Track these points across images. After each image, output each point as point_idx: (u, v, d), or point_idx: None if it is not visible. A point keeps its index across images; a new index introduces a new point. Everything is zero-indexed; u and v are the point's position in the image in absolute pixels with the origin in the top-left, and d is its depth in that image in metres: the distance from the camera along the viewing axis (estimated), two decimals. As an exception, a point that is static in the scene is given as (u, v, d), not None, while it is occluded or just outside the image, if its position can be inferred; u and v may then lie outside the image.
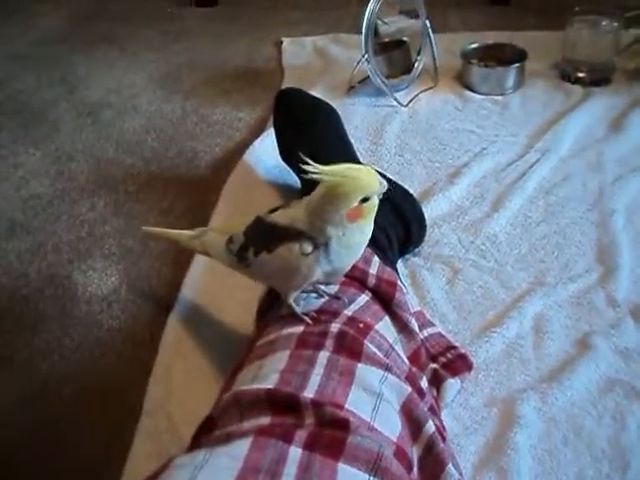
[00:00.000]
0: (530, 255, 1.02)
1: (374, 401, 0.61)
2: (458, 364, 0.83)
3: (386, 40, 1.54)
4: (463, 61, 1.46)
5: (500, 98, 1.41)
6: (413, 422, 0.63)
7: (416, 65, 1.49)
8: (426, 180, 1.18)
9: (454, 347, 0.85)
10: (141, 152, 1.34)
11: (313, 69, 1.59)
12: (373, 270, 0.79)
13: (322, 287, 0.74)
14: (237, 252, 0.74)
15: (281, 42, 1.72)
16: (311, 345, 0.65)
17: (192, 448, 0.58)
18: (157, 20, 1.92)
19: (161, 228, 0.95)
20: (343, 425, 0.56)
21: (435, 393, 0.78)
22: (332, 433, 0.55)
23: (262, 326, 0.74)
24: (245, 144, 1.32)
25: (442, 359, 0.83)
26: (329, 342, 0.65)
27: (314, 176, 0.64)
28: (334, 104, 1.18)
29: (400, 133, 1.32)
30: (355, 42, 1.62)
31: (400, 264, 0.99)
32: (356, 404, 0.59)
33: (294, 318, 0.70)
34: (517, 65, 1.42)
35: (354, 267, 0.75)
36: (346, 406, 0.58)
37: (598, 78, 1.43)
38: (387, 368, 0.65)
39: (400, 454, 0.58)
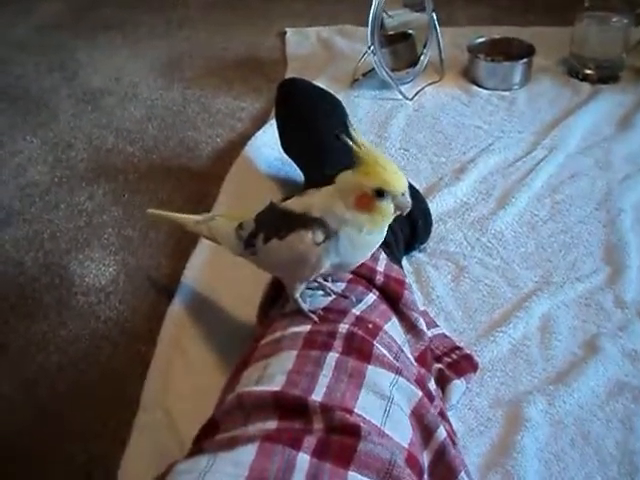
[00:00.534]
0: (537, 254, 1.00)
1: (384, 405, 0.59)
2: (463, 364, 0.81)
3: (391, 33, 1.52)
4: (470, 55, 1.44)
5: (507, 94, 1.38)
6: (424, 427, 0.61)
7: (422, 58, 1.46)
8: (432, 175, 1.16)
9: (459, 348, 0.83)
10: (141, 141, 1.32)
11: (317, 60, 1.56)
12: (381, 268, 0.77)
13: (329, 284, 0.72)
14: (246, 238, 0.73)
15: (284, 32, 1.70)
16: (319, 345, 0.63)
17: (194, 452, 0.55)
18: (160, 7, 1.89)
19: (167, 212, 0.93)
20: (353, 431, 0.54)
21: (441, 394, 0.76)
22: (342, 439, 0.53)
23: (267, 323, 0.72)
24: (247, 135, 1.29)
25: (447, 359, 0.81)
26: (337, 343, 0.63)
27: (350, 143, 0.63)
28: (338, 96, 1.16)
29: (405, 127, 1.30)
30: (360, 34, 1.61)
31: (405, 260, 0.97)
32: (366, 408, 0.57)
33: (300, 315, 0.68)
34: (525, 60, 1.40)
35: (362, 264, 0.73)
36: (356, 410, 0.56)
37: (606, 75, 1.41)
38: (397, 371, 0.63)
39: (411, 460, 0.56)
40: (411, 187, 1.00)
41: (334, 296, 0.71)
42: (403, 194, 0.64)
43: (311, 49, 1.62)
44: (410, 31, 1.52)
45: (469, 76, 1.44)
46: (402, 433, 0.59)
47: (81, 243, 1.08)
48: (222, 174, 1.19)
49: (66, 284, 1.00)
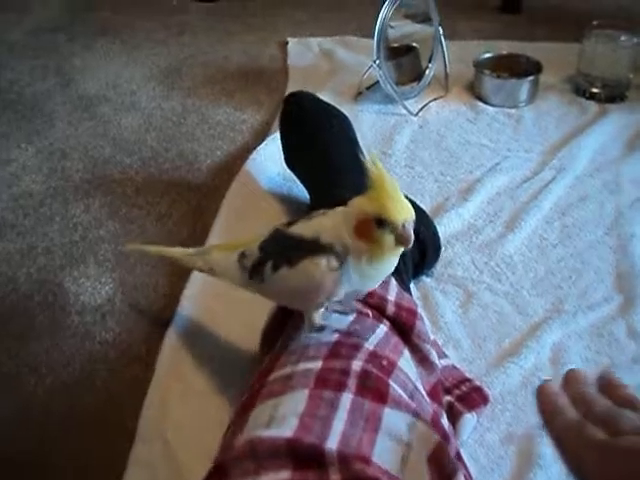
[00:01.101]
0: (547, 279, 0.97)
1: (402, 451, 0.56)
2: (474, 397, 0.78)
3: (395, 45, 1.49)
4: (475, 71, 1.41)
5: (513, 111, 1.36)
6: (442, 473, 0.58)
7: (427, 72, 1.44)
8: (437, 195, 1.14)
9: (469, 379, 0.80)
10: (139, 152, 1.28)
11: (319, 72, 1.54)
12: (392, 297, 0.74)
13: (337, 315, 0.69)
14: (251, 267, 0.68)
15: (286, 42, 1.67)
16: (332, 385, 0.60)
17: None
18: (160, 12, 1.85)
19: (151, 245, 0.89)
20: None
21: (453, 430, 0.73)
22: None
23: (274, 355, 0.68)
24: (248, 148, 1.26)
25: (457, 391, 0.78)
26: (351, 382, 0.60)
27: (366, 163, 0.60)
28: (341, 110, 1.13)
29: (410, 143, 1.27)
30: (363, 45, 1.58)
31: (412, 285, 0.94)
32: (384, 455, 0.54)
33: (312, 349, 0.64)
34: (531, 78, 1.37)
35: (372, 292, 0.69)
36: (374, 459, 0.53)
37: (613, 94, 1.39)
38: (414, 413, 0.60)
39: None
40: (420, 211, 0.98)
41: (354, 315, 0.68)
42: (404, 226, 0.59)
43: (313, 60, 1.59)
44: (414, 44, 1.49)
45: (474, 92, 1.42)
46: None
47: (76, 259, 1.04)
48: (222, 188, 1.16)
49: (60, 302, 0.97)
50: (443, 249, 1.00)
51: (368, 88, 1.42)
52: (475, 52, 1.46)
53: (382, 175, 0.60)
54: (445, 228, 1.05)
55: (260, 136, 1.30)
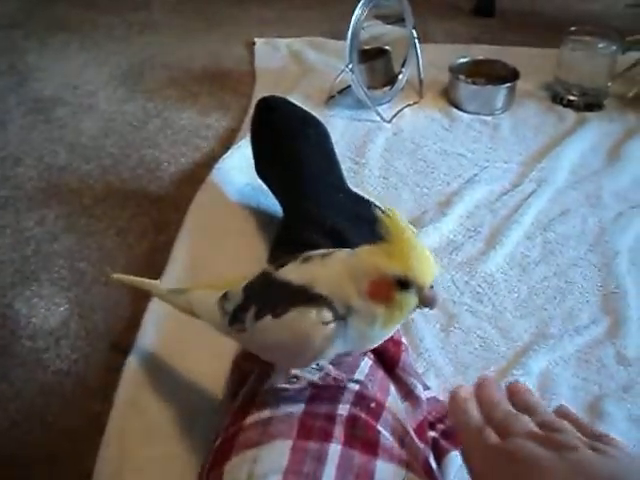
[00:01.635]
0: (530, 300, 0.93)
1: None
2: (458, 432, 0.73)
3: (366, 47, 1.43)
4: (451, 76, 1.37)
5: (489, 119, 1.31)
6: None
7: (400, 77, 1.39)
8: (414, 208, 1.08)
9: (452, 413, 0.75)
10: (98, 159, 1.21)
11: (288, 74, 1.48)
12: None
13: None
14: (232, 312, 0.60)
15: (253, 43, 1.60)
16: (317, 434, 0.53)
17: None
18: (121, 8, 1.77)
19: (134, 277, 0.81)
20: None
21: (439, 469, 0.67)
22: None
23: (249, 392, 0.61)
24: (213, 156, 1.20)
25: (440, 426, 0.73)
26: (338, 430, 0.54)
27: (377, 211, 0.51)
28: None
29: (384, 152, 1.22)
30: (333, 47, 1.53)
31: (390, 307, 0.89)
32: None
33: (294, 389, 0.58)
34: (508, 85, 1.33)
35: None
36: None
37: (590, 102, 1.35)
38: (407, 464, 0.54)
39: None
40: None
41: (326, 370, 0.61)
42: (432, 286, 0.52)
43: (281, 62, 1.53)
44: (386, 47, 1.44)
45: (449, 98, 1.37)
46: None
47: (28, 276, 0.97)
48: (186, 199, 1.09)
49: (10, 326, 0.89)
50: (422, 267, 0.95)
51: (340, 92, 1.36)
52: (450, 56, 1.41)
53: (400, 225, 0.51)
54: (423, 243, 0.99)
55: (226, 143, 1.24)
